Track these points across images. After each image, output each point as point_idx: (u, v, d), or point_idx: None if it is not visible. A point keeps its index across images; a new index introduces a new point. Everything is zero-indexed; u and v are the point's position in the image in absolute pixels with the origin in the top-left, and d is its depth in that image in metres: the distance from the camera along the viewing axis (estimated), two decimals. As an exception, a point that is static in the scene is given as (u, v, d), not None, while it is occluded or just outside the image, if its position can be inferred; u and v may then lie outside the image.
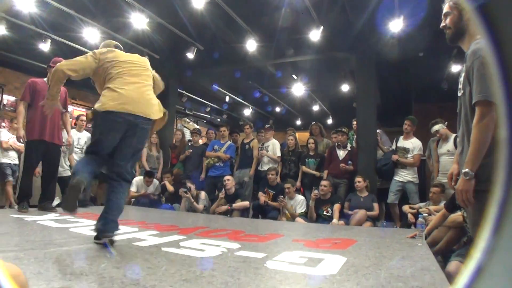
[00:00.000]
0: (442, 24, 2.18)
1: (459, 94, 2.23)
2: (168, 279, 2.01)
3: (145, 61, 3.43)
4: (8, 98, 9.34)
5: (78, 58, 3.21)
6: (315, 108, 12.98)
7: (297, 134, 8.02)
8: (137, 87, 3.15)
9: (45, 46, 8.10)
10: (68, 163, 6.79)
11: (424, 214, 4.35)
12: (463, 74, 2.10)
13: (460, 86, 2.22)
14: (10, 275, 0.87)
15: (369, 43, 7.39)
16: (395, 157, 6.42)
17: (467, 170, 1.94)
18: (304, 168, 7.20)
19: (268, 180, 6.85)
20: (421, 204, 5.73)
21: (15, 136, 6.79)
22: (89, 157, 3.15)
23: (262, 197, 6.74)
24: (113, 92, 3.04)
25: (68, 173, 6.72)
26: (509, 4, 0.51)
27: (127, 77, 3.15)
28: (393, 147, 6.72)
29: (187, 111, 13.85)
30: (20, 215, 4.63)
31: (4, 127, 8.32)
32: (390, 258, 2.94)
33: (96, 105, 3.05)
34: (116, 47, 3.50)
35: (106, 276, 2.01)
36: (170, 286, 1.88)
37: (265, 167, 7.39)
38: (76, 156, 6.97)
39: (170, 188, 7.43)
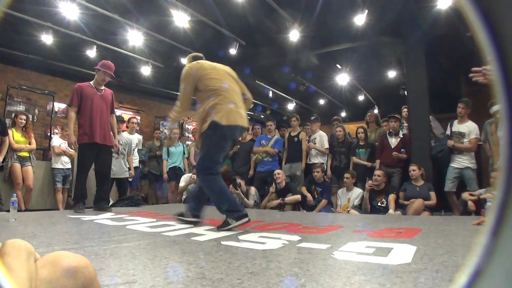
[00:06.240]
0: None
1: None
2: (234, 272, 1.93)
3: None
4: (59, 106, 9.72)
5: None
6: (360, 98, 12.65)
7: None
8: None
9: (91, 53, 8.35)
10: (127, 165, 6.94)
11: (491, 199, 4.09)
12: None
13: None
14: (79, 266, 0.86)
15: (415, 24, 7.03)
16: (450, 142, 6.11)
17: None
18: (355, 159, 7.02)
19: (314, 177, 6.71)
20: (481, 191, 5.42)
21: (66, 142, 7.05)
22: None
23: (310, 197, 6.61)
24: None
25: (127, 174, 6.89)
26: (509, 4, 0.47)
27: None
28: (448, 132, 6.37)
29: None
30: (76, 215, 4.71)
31: (56, 133, 8.65)
32: (462, 245, 2.77)
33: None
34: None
35: (170, 270, 1.98)
36: (237, 279, 1.79)
37: (314, 160, 7.29)
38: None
39: None
